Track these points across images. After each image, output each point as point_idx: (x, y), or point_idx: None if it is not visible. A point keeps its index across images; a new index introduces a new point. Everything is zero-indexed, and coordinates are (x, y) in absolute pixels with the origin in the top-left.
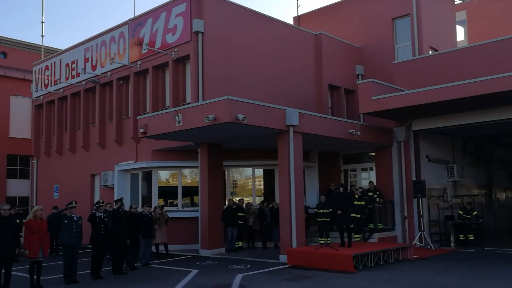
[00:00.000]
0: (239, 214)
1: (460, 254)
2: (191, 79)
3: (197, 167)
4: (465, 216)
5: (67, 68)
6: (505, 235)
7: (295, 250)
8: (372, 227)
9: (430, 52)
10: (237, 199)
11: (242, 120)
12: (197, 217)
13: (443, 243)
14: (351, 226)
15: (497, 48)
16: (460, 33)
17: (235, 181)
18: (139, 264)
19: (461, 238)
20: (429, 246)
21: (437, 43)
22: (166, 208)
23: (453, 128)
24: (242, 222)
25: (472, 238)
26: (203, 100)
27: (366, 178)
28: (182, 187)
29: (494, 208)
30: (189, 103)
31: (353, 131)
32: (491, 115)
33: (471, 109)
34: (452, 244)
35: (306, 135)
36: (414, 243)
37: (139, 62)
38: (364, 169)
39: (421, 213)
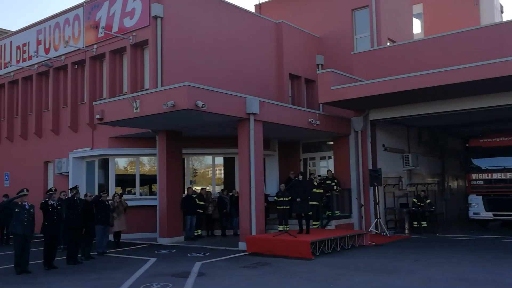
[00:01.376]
0: (198, 202)
1: (414, 241)
2: (149, 65)
3: (155, 154)
4: (419, 204)
5: (18, 50)
6: (456, 222)
7: (254, 238)
8: (330, 214)
9: (388, 44)
10: (198, 188)
11: (202, 107)
12: (156, 206)
13: (398, 230)
14: (309, 213)
15: (452, 41)
16: (417, 26)
17: (194, 169)
18: (95, 253)
19: (415, 225)
20: (384, 233)
21: (395, 34)
22: (124, 197)
23: (408, 118)
24: (201, 211)
25: (425, 225)
26: (161, 86)
27: (325, 166)
28: (140, 175)
29: (446, 196)
30: (148, 89)
31: (312, 120)
32: (444, 106)
33: (425, 100)
34: (407, 231)
35: (266, 124)
36: (370, 230)
37: (95, 46)
38: (323, 158)
39: (377, 201)
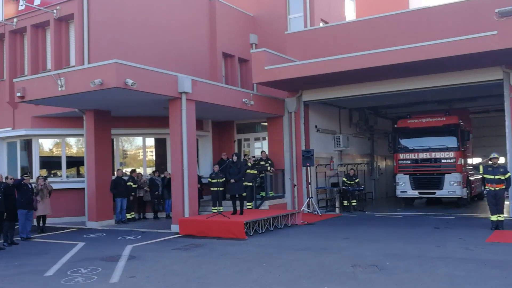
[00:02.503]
0: (129, 185)
1: (345, 219)
2: (75, 41)
3: (82, 135)
4: (349, 182)
5: None
6: (384, 200)
7: (187, 220)
8: (264, 195)
9: (321, 24)
10: (129, 169)
11: (131, 85)
12: (84, 188)
13: (329, 208)
14: (243, 194)
15: (382, 23)
16: (349, 8)
17: (125, 150)
18: (19, 238)
19: (345, 204)
20: (316, 212)
21: (328, 16)
22: (49, 180)
23: (340, 100)
24: (133, 194)
25: (355, 203)
26: (88, 63)
27: (259, 147)
28: (67, 157)
29: (375, 175)
30: (73, 66)
31: (246, 101)
32: (374, 88)
33: (356, 82)
34: (337, 210)
35: (199, 103)
36: (303, 209)
37: (15, 20)
38: (257, 139)
39: (309, 181)
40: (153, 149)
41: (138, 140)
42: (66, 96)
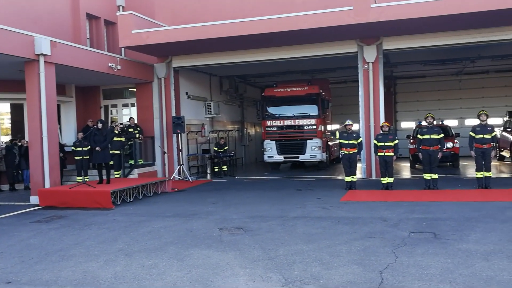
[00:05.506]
0: None
1: (215, 184)
2: None
3: None
4: (219, 150)
5: None
6: (253, 165)
7: (48, 191)
8: (133, 163)
9: None
10: None
11: None
12: None
13: (201, 175)
14: (110, 162)
15: None
16: None
17: None
18: None
19: (216, 170)
20: (187, 179)
21: None
22: None
23: (210, 67)
24: None
25: (226, 169)
26: None
27: (127, 114)
28: None
29: (245, 142)
30: None
31: (113, 65)
32: (242, 56)
33: (225, 50)
34: (208, 176)
35: (60, 67)
36: (173, 176)
37: None
38: (125, 105)
39: (180, 148)
40: (9, 116)
41: None
42: None
